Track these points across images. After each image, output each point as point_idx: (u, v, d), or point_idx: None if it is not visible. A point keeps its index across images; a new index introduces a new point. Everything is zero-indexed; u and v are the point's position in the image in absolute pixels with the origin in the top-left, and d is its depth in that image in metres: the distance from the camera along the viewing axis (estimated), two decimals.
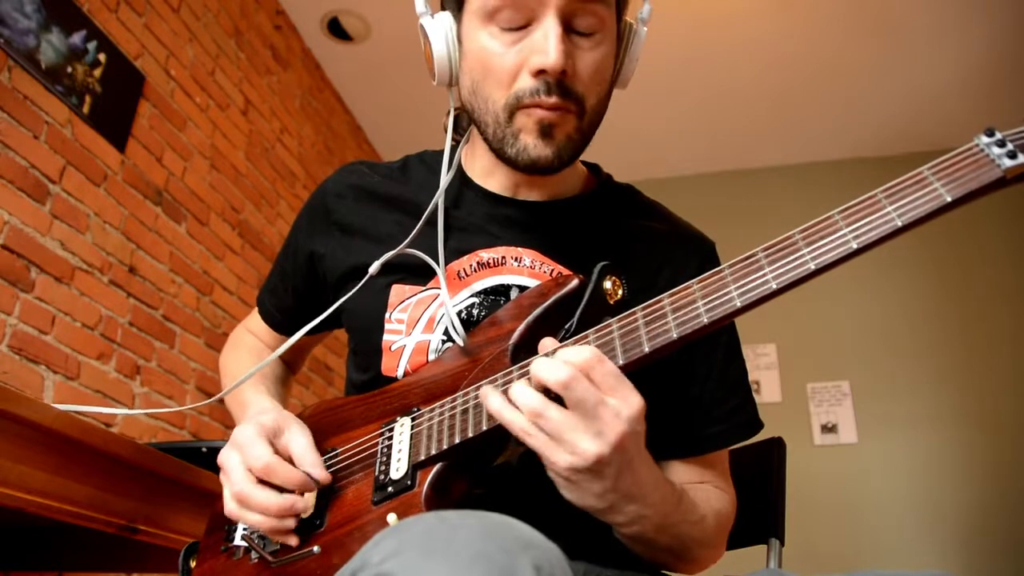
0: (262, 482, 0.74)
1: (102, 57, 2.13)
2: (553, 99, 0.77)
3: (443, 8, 0.87)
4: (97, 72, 2.11)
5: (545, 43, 0.75)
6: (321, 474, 0.75)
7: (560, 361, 0.62)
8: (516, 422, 0.63)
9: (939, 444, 3.46)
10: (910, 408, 3.54)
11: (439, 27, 0.83)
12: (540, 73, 0.76)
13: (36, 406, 0.90)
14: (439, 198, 0.87)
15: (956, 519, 3.30)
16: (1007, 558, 3.18)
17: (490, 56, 0.79)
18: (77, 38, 2.05)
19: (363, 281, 0.87)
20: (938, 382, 3.55)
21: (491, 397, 0.65)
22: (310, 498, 0.75)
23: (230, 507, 0.75)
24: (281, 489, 0.74)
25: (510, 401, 0.64)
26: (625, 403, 0.61)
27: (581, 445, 0.60)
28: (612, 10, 0.81)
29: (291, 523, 0.74)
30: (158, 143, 2.37)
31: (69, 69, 2.01)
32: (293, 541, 0.74)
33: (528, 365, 0.69)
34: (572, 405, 0.61)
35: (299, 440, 0.77)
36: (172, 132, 2.45)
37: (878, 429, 3.54)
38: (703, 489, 0.83)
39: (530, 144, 0.80)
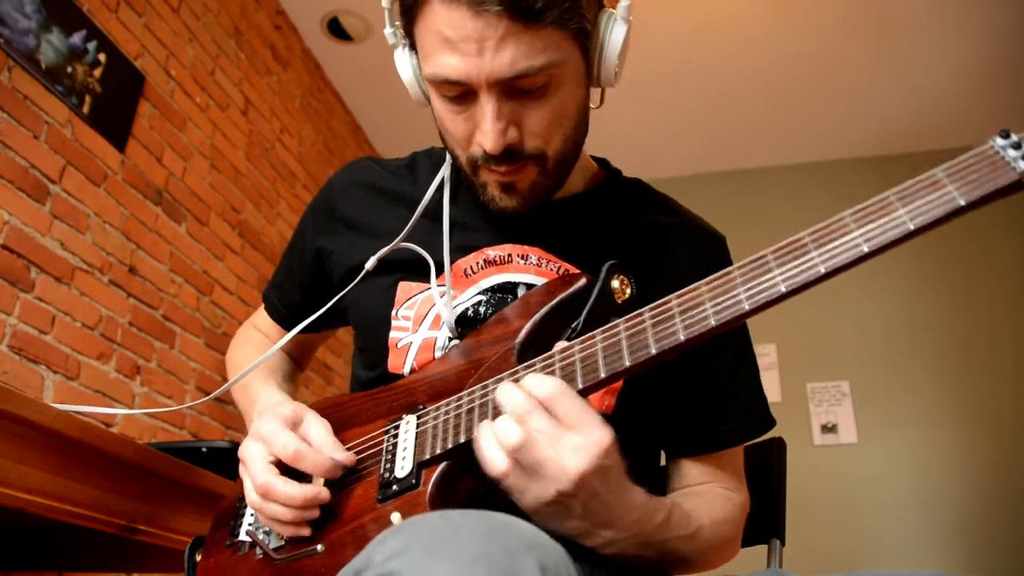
0: (284, 474, 0.75)
1: (102, 57, 2.13)
2: (503, 168, 0.78)
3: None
4: (97, 72, 2.11)
5: (483, 123, 0.75)
6: (346, 456, 0.76)
7: (521, 392, 0.62)
8: (498, 463, 0.63)
9: (939, 444, 3.46)
10: (910, 408, 3.53)
11: (405, 61, 0.84)
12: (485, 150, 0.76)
13: (36, 406, 0.89)
14: (433, 193, 0.87)
15: (956, 519, 3.30)
16: (1007, 558, 3.18)
17: (443, 118, 0.80)
18: (77, 38, 2.05)
19: (359, 277, 0.88)
20: (938, 382, 3.55)
21: (484, 434, 0.65)
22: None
23: (253, 499, 0.75)
24: (299, 481, 0.74)
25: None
26: (588, 439, 0.60)
27: (546, 480, 0.61)
28: (561, 48, 0.74)
29: (315, 513, 0.74)
30: (158, 143, 2.37)
31: (69, 69, 2.01)
32: (306, 532, 0.74)
33: (534, 365, 0.69)
34: (530, 437, 0.61)
35: (317, 429, 0.77)
36: (172, 132, 2.45)
37: (878, 429, 3.54)
38: (707, 495, 0.83)
39: (496, 196, 0.81)
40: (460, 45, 0.71)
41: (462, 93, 0.75)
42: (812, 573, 0.92)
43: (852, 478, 3.45)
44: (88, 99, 2.07)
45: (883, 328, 3.70)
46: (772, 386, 3.70)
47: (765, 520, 1.09)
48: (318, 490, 0.73)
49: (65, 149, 1.98)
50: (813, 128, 3.87)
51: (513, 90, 0.74)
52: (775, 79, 3.55)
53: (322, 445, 0.76)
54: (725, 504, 0.83)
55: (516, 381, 0.68)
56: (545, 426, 0.61)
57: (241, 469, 0.78)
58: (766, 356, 3.74)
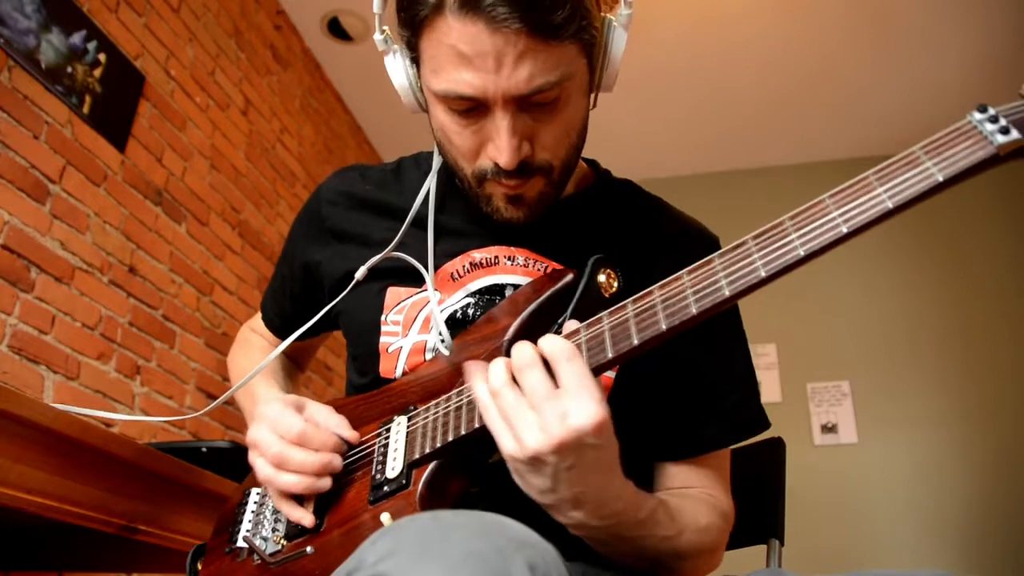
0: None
1: (102, 57, 2.13)
2: (514, 181, 0.77)
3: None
4: (97, 72, 2.11)
5: (498, 138, 0.74)
6: (350, 433, 0.77)
7: (530, 348, 0.61)
8: (479, 394, 0.63)
9: (939, 444, 3.46)
10: (910, 408, 3.53)
11: (399, 68, 0.82)
12: (497, 165, 0.75)
13: (36, 406, 0.90)
14: (421, 202, 0.87)
15: (956, 519, 3.30)
16: (1007, 558, 3.18)
17: (448, 131, 0.78)
18: (77, 38, 2.05)
19: (350, 286, 0.88)
20: (938, 382, 3.55)
21: (473, 373, 0.65)
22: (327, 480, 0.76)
23: (265, 472, 0.75)
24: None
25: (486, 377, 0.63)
26: (577, 410, 0.58)
27: (523, 435, 0.59)
28: (573, 61, 0.74)
29: (327, 482, 0.74)
30: (158, 143, 2.37)
31: (69, 69, 2.01)
32: (308, 522, 0.74)
33: None
34: (524, 392, 0.60)
35: (321, 410, 0.79)
36: (172, 132, 2.45)
37: (878, 429, 3.54)
38: (692, 500, 0.81)
39: (501, 208, 0.81)
40: (476, 61, 0.70)
41: (472, 107, 0.74)
42: (812, 573, 0.92)
43: (852, 478, 3.45)
44: (88, 99, 2.07)
45: (883, 328, 3.70)
46: (772, 386, 3.70)
47: (765, 520, 1.09)
48: (331, 456, 0.74)
49: (65, 149, 1.98)
50: (813, 128, 3.87)
51: (527, 104, 0.73)
52: (775, 79, 3.55)
53: (327, 422, 0.77)
54: (711, 512, 0.81)
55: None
56: (537, 385, 0.59)
57: (251, 454, 0.78)
58: (766, 356, 3.74)
